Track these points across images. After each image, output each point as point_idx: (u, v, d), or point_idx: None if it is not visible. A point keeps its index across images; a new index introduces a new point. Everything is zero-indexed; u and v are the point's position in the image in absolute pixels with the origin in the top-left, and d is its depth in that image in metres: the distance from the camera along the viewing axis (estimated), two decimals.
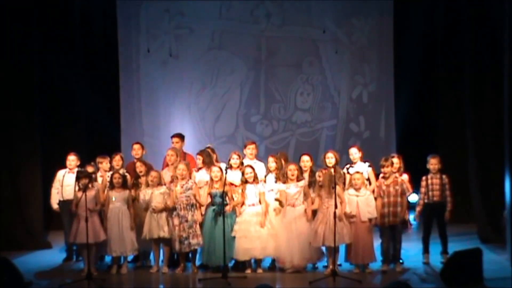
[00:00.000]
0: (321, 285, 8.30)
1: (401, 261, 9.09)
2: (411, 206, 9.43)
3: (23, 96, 10.99)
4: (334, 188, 8.41)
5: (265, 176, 9.21)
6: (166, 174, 9.37)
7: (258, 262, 8.97)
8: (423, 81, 12.82)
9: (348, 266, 8.96)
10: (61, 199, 9.80)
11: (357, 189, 8.80)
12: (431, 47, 12.63)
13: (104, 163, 9.66)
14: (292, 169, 8.86)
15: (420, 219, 9.39)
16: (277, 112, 12.98)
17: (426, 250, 9.26)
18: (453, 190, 9.26)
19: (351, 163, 9.27)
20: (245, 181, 8.94)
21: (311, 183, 8.99)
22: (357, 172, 8.87)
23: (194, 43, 12.94)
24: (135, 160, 9.69)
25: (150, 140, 12.60)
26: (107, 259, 9.56)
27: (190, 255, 9.10)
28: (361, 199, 8.78)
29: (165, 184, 9.14)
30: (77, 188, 9.13)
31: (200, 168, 9.38)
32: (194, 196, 8.93)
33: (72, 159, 9.81)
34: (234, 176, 9.10)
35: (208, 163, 9.31)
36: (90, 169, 9.44)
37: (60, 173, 9.87)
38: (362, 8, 12.81)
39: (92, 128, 12.77)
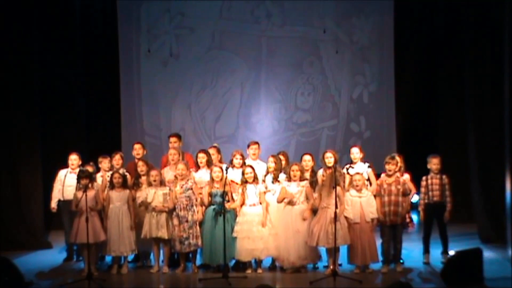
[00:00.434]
0: (321, 285, 8.29)
1: (401, 261, 9.09)
2: (413, 206, 9.44)
3: (23, 96, 10.99)
4: (335, 188, 8.41)
5: (264, 176, 9.20)
6: (168, 173, 9.35)
7: (259, 262, 8.97)
8: (423, 81, 12.84)
9: (349, 266, 8.95)
10: (62, 199, 9.80)
11: (358, 190, 8.81)
12: (431, 47, 12.64)
13: (104, 163, 9.68)
14: (294, 169, 8.88)
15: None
16: (277, 112, 12.97)
17: (426, 250, 9.25)
18: (453, 190, 9.26)
19: (351, 162, 9.28)
20: (245, 181, 8.95)
21: (312, 183, 9.00)
22: (357, 173, 8.88)
23: (195, 43, 12.92)
24: (137, 160, 9.67)
25: (150, 140, 12.61)
26: (108, 259, 9.55)
27: (190, 255, 9.10)
28: (363, 200, 8.79)
29: (166, 184, 9.13)
30: (77, 188, 9.13)
31: (198, 168, 9.38)
32: (200, 194, 8.91)
33: (74, 158, 9.81)
34: (236, 175, 9.11)
35: (210, 163, 9.31)
36: (90, 169, 9.43)
37: (62, 173, 9.87)
38: (362, 8, 12.78)
39: (92, 128, 12.78)
